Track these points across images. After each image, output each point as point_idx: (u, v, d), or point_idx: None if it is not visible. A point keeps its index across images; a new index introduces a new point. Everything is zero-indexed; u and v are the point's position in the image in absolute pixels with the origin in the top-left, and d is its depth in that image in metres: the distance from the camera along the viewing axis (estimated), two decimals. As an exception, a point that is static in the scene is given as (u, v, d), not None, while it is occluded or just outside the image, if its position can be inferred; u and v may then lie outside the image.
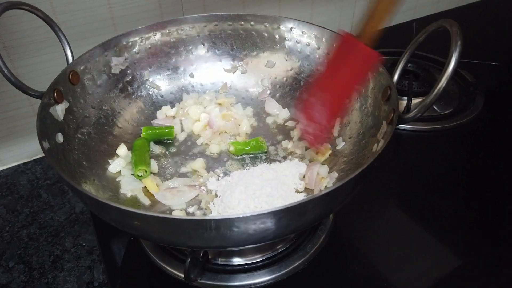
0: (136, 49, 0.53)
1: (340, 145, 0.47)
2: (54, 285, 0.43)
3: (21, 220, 0.50)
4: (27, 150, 0.60)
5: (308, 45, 0.53)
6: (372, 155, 0.36)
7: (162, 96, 0.55)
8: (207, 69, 0.57)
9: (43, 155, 0.35)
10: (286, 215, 0.28)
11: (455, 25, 0.33)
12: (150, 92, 0.54)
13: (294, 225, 0.30)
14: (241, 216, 0.27)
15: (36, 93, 0.42)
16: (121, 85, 0.52)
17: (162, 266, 0.42)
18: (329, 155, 0.46)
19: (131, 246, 0.45)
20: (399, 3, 0.35)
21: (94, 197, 0.29)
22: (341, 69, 0.39)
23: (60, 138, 0.41)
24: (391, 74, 0.42)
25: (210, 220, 0.27)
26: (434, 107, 0.64)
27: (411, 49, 0.41)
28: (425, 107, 0.34)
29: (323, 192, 0.28)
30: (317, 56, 0.53)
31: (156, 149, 0.49)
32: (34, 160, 0.60)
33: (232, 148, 0.48)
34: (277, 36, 0.55)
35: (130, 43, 0.52)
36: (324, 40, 0.51)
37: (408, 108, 0.60)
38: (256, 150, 0.48)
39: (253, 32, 0.55)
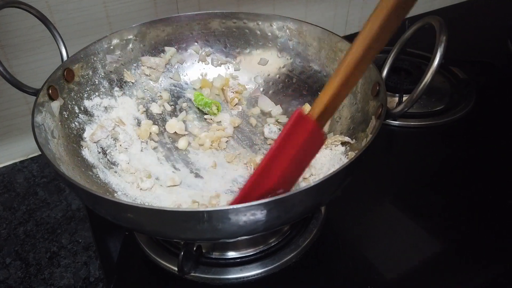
0: (130, 47, 0.53)
1: (331, 140, 0.47)
2: (50, 281, 0.44)
3: (18, 218, 0.51)
4: (24, 148, 0.60)
5: (300, 42, 0.54)
6: (360, 149, 0.36)
7: (155, 93, 0.56)
8: (200, 66, 0.57)
9: (40, 153, 0.36)
10: (276, 207, 0.28)
11: (441, 21, 0.34)
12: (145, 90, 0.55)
13: (284, 216, 0.30)
14: (231, 207, 0.27)
15: (31, 90, 0.42)
16: (115, 82, 0.53)
17: (157, 260, 0.43)
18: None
19: (126, 242, 0.46)
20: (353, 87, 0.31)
21: (88, 190, 0.30)
22: (291, 145, 0.32)
23: (55, 134, 0.42)
24: (381, 71, 0.43)
25: (201, 212, 0.28)
26: (426, 104, 0.65)
27: (399, 46, 0.42)
28: (412, 101, 0.35)
29: (311, 184, 0.29)
30: (309, 53, 0.53)
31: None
32: (31, 158, 0.60)
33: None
34: (269, 34, 0.55)
35: (124, 41, 0.52)
36: (316, 37, 0.52)
37: (399, 104, 0.61)
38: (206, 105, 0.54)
39: (246, 30, 0.56)
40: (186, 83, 0.57)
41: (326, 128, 0.49)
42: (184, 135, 0.52)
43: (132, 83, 0.54)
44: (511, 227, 0.46)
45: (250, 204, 0.27)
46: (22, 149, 0.60)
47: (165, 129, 0.53)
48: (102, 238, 0.47)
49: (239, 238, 0.33)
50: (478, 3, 0.96)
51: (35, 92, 0.41)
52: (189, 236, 0.32)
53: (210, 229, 0.29)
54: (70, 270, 0.45)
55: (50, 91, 0.42)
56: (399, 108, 0.36)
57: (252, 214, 0.28)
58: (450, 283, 0.42)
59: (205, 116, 0.54)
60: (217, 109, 0.54)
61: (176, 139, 0.52)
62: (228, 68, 0.58)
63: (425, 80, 0.33)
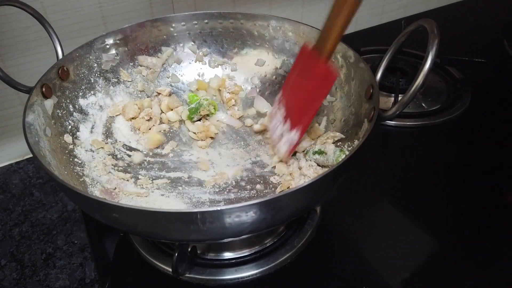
0: (126, 46, 0.53)
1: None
2: (46, 282, 0.44)
3: (13, 219, 0.51)
4: (20, 149, 0.60)
5: (297, 43, 0.54)
6: (350, 151, 0.36)
7: (151, 92, 0.55)
8: (197, 66, 0.57)
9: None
10: (260, 209, 0.28)
11: (433, 24, 0.34)
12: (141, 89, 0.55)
13: (271, 219, 0.30)
14: (214, 209, 0.27)
15: (25, 88, 0.42)
16: (111, 81, 0.52)
17: (152, 261, 0.43)
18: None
19: (121, 243, 0.46)
20: (354, 13, 0.35)
21: (73, 189, 0.29)
22: (304, 85, 0.40)
23: (48, 132, 0.42)
24: (375, 72, 0.42)
25: (185, 213, 0.28)
26: (423, 103, 0.65)
27: (394, 47, 0.42)
28: (403, 104, 0.35)
29: (298, 187, 0.29)
30: (305, 54, 0.53)
31: None
32: (27, 159, 0.60)
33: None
34: (266, 35, 0.55)
35: (121, 40, 0.52)
36: (312, 38, 0.52)
37: (395, 104, 0.61)
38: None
39: (243, 31, 0.56)
40: (183, 83, 0.57)
41: (322, 129, 0.49)
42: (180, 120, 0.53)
43: (129, 82, 0.54)
44: (508, 226, 0.47)
45: (233, 207, 0.27)
46: (18, 150, 0.60)
47: (160, 127, 0.53)
48: (97, 239, 0.47)
49: (225, 240, 0.33)
50: (474, 3, 0.96)
51: (29, 90, 0.41)
52: (176, 237, 0.32)
53: (194, 230, 0.29)
54: (65, 272, 0.45)
55: (43, 89, 0.42)
56: (391, 112, 0.36)
57: (237, 216, 0.28)
58: (447, 282, 0.42)
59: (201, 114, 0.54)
60: (214, 108, 0.54)
61: (172, 137, 0.52)
62: (225, 69, 0.58)
63: (417, 83, 0.33)
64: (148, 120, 0.53)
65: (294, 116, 0.41)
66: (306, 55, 0.40)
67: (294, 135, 0.42)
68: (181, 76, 0.57)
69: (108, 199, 0.41)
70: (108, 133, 0.50)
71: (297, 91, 0.41)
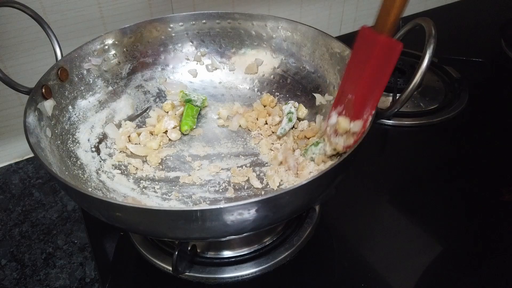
0: (125, 46, 0.53)
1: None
2: (46, 282, 0.44)
3: (13, 219, 0.51)
4: (19, 149, 0.60)
5: (295, 43, 0.54)
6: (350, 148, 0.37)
7: (149, 92, 0.56)
8: (196, 66, 0.58)
9: (34, 154, 0.36)
10: (262, 206, 0.29)
11: (431, 23, 0.34)
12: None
13: (272, 216, 0.31)
14: (217, 207, 0.27)
15: (25, 89, 0.43)
16: (109, 82, 0.53)
17: (152, 260, 0.43)
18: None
19: (121, 242, 0.46)
20: None
21: (79, 190, 0.30)
22: (367, 65, 0.37)
23: (48, 133, 0.42)
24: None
25: (187, 211, 0.28)
26: (420, 103, 0.66)
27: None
28: (401, 102, 0.35)
29: (298, 184, 0.29)
30: (303, 54, 0.54)
31: None
32: (26, 159, 0.60)
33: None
34: (264, 34, 0.55)
35: (119, 41, 0.52)
36: (310, 38, 0.52)
37: (393, 103, 0.61)
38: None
39: (241, 31, 0.56)
40: (182, 82, 0.57)
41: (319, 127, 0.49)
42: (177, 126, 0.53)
43: (128, 81, 0.54)
44: (506, 224, 0.47)
45: (235, 204, 0.27)
46: (17, 151, 0.60)
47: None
48: (97, 239, 0.47)
49: (228, 238, 0.33)
50: (471, 2, 0.96)
51: (28, 92, 0.42)
52: (178, 235, 0.33)
53: (196, 227, 0.29)
54: (65, 271, 0.45)
55: (43, 90, 0.42)
56: (390, 110, 0.37)
57: (239, 213, 0.28)
58: (445, 280, 0.42)
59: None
60: (203, 102, 0.54)
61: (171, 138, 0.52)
62: (224, 69, 0.58)
63: (414, 81, 0.33)
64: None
65: (357, 106, 0.38)
66: (365, 40, 0.37)
67: (356, 125, 0.38)
68: (181, 75, 0.57)
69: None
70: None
71: (358, 79, 0.38)
